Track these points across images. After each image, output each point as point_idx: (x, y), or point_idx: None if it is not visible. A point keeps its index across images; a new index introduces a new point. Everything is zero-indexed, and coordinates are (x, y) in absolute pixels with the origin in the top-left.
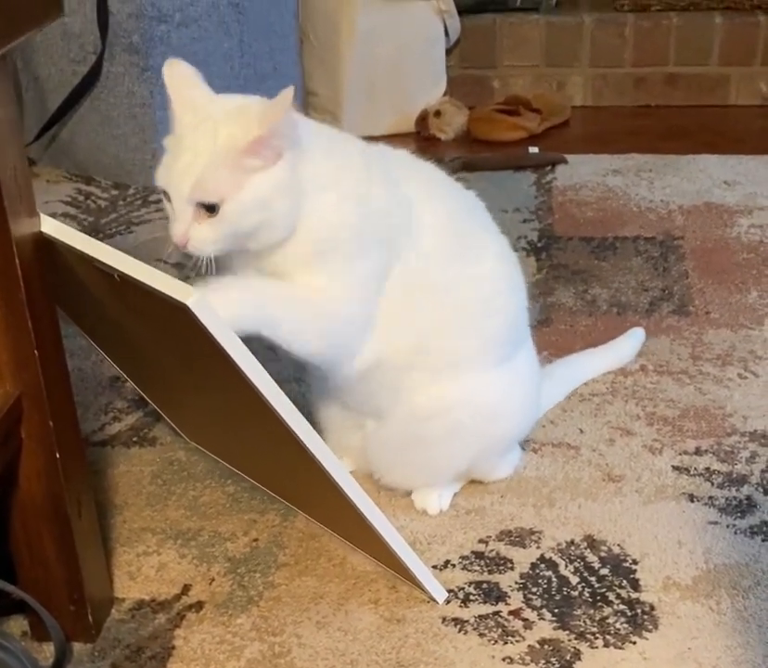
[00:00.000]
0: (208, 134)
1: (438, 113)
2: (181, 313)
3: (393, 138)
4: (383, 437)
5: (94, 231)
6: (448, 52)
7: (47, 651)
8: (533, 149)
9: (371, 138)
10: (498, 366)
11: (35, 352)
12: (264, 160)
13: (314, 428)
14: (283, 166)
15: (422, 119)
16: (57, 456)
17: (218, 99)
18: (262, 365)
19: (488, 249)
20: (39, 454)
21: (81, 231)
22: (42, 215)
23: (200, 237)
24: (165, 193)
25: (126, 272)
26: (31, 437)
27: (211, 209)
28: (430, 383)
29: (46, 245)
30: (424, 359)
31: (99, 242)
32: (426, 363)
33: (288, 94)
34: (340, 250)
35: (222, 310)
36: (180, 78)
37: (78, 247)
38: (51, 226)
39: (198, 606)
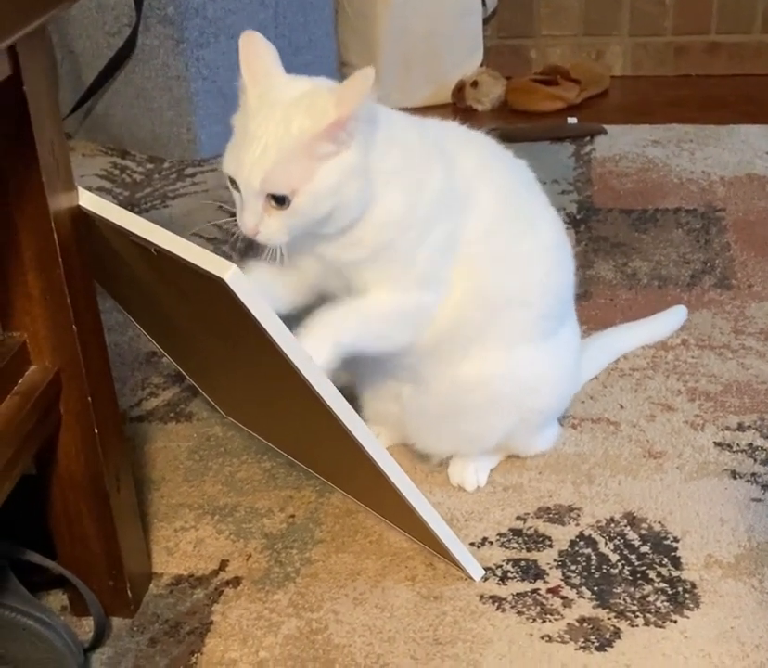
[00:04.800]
0: (278, 123)
1: (475, 84)
2: (218, 287)
3: (429, 109)
4: (421, 404)
5: (129, 205)
6: (485, 22)
7: (87, 626)
8: (572, 120)
9: (407, 110)
10: (544, 340)
11: (74, 327)
12: (338, 145)
13: (350, 401)
14: (355, 149)
15: (459, 90)
16: (96, 431)
17: (288, 81)
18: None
19: (542, 221)
20: (78, 429)
21: (116, 205)
22: (79, 189)
23: (271, 229)
24: (232, 180)
25: (163, 246)
26: (69, 413)
27: (280, 201)
28: (477, 354)
29: (84, 219)
30: (474, 330)
31: (136, 216)
32: (476, 334)
33: (368, 73)
34: (406, 238)
35: (313, 356)
36: (254, 52)
37: (115, 221)
38: (88, 200)
39: (236, 582)
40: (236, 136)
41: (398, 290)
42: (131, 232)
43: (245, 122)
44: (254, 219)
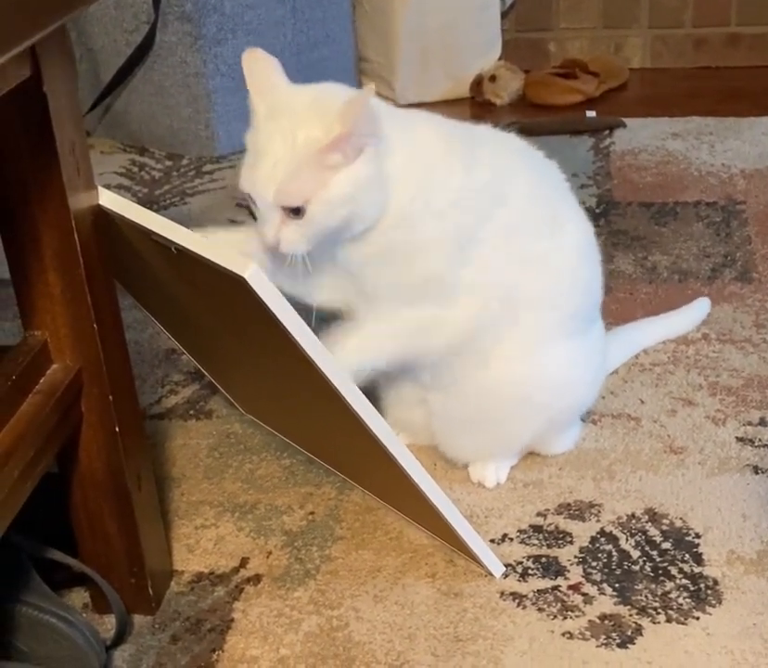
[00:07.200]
0: (286, 135)
1: (493, 78)
2: (238, 285)
3: (448, 104)
4: (450, 409)
5: (148, 202)
6: (503, 15)
7: (108, 623)
8: (591, 113)
9: (425, 105)
10: (573, 339)
11: (95, 326)
12: (346, 157)
13: (372, 401)
14: (364, 160)
15: (477, 84)
16: (117, 429)
17: (293, 91)
18: (318, 338)
19: (570, 221)
20: (99, 427)
21: (136, 203)
22: (99, 188)
23: (291, 238)
24: (250, 196)
25: (183, 245)
26: (91, 411)
27: (296, 211)
28: (506, 355)
29: (104, 218)
30: (499, 330)
31: (156, 214)
32: (502, 334)
33: (368, 91)
34: (416, 237)
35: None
36: (258, 68)
37: (135, 219)
38: (108, 199)
39: (256, 579)
40: (248, 154)
41: (407, 303)
42: (151, 230)
43: (255, 137)
44: (273, 231)
